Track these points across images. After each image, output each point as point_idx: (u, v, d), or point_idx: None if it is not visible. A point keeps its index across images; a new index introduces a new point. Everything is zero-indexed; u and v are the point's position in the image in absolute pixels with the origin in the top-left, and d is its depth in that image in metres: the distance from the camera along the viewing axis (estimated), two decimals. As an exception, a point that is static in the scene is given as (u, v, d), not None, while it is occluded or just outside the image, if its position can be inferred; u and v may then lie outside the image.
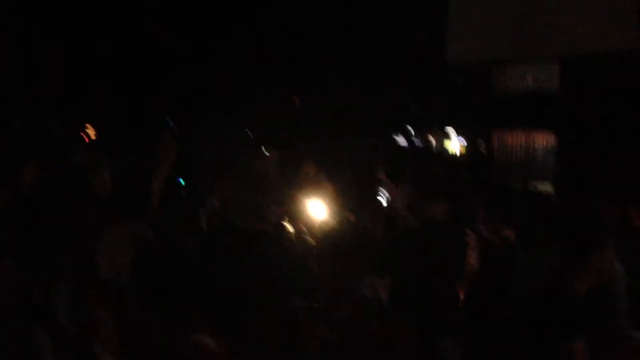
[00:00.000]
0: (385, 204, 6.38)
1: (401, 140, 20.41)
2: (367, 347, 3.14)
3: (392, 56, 16.87)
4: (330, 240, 4.18)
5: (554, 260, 5.27)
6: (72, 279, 3.40)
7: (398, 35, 16.64)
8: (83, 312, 2.72)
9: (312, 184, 6.64)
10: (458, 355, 4.37)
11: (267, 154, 7.28)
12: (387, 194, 6.20)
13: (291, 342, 3.23)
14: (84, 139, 17.79)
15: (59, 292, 3.33)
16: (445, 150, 21.83)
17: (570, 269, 4.48)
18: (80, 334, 2.63)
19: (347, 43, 16.64)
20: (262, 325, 3.28)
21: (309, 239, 5.41)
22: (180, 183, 8.01)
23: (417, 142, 21.65)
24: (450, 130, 22.07)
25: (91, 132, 18.67)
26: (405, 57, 16.87)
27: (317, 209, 6.11)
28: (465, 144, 21.70)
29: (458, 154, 21.75)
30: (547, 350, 4.24)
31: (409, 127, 20.75)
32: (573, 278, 4.50)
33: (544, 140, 19.58)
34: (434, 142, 22.38)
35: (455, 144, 22.19)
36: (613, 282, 4.89)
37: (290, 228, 5.19)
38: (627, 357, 4.55)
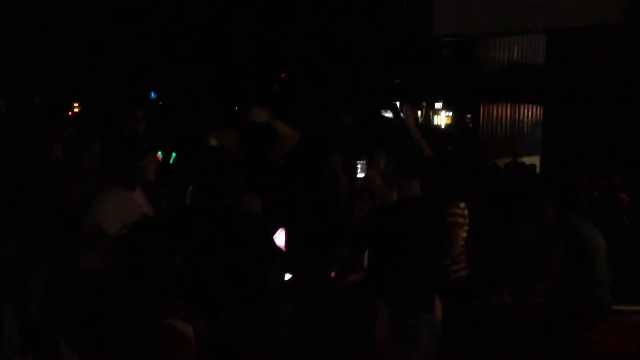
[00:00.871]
0: (364, 179, 6.34)
1: (386, 114, 20.28)
2: (340, 325, 3.09)
3: (377, 29, 16.76)
4: (308, 217, 4.12)
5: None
6: (51, 258, 3.32)
7: (384, 8, 16.53)
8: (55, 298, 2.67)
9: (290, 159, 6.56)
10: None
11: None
12: (366, 169, 6.17)
13: (264, 325, 3.19)
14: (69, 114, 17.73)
15: (34, 273, 3.26)
16: (429, 124, 21.73)
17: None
18: (48, 322, 2.58)
19: (333, 17, 16.52)
20: (236, 309, 3.23)
21: (287, 215, 5.37)
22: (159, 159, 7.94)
23: (401, 115, 21.54)
24: (435, 103, 21.97)
25: (76, 107, 18.61)
26: (391, 30, 16.77)
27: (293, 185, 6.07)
28: (451, 117, 21.64)
29: (443, 128, 21.70)
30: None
31: (394, 101, 20.64)
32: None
33: (529, 113, 19.64)
34: (418, 116, 22.29)
35: (440, 118, 22.11)
36: (594, 250, 4.89)
37: (265, 205, 5.14)
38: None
